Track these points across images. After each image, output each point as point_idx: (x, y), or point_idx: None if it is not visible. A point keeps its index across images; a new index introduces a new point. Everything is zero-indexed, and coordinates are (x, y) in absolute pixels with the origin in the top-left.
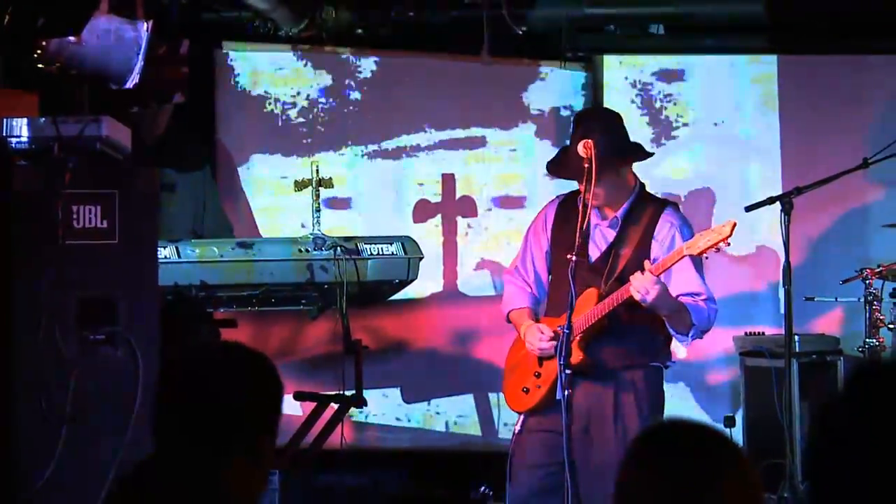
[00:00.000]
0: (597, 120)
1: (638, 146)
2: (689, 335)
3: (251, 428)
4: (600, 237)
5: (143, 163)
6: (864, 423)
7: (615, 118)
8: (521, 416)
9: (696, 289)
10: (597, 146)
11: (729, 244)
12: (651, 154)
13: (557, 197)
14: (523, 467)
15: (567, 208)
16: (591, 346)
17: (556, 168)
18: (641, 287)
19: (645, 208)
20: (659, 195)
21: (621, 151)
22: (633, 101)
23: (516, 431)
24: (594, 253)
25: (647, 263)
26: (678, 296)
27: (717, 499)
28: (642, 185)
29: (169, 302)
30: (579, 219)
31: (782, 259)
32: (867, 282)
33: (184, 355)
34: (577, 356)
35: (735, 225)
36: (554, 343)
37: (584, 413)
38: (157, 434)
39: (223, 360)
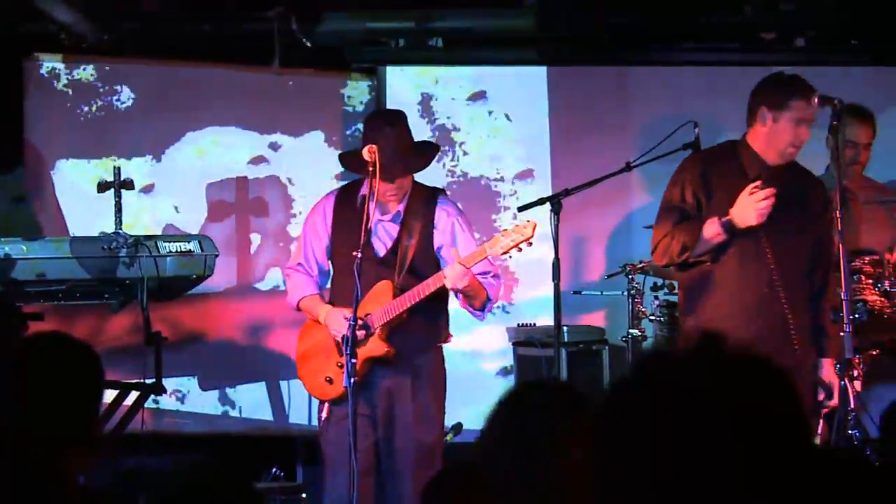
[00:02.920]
0: (385, 124)
1: (423, 148)
2: (485, 311)
3: (80, 414)
4: (384, 232)
5: None
6: (644, 408)
7: (402, 120)
8: (327, 405)
9: (488, 268)
10: (381, 151)
11: (531, 244)
12: (436, 152)
13: (333, 192)
14: (342, 454)
15: (345, 203)
16: (391, 336)
17: (350, 163)
18: (456, 278)
19: (421, 200)
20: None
21: (405, 157)
22: (415, 110)
23: (323, 419)
24: (380, 248)
25: (454, 254)
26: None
27: (567, 451)
28: (413, 178)
29: None
30: (364, 217)
31: (552, 256)
32: (630, 277)
33: (9, 347)
34: (381, 348)
35: (536, 225)
36: (362, 331)
37: (387, 396)
38: None
39: (51, 351)
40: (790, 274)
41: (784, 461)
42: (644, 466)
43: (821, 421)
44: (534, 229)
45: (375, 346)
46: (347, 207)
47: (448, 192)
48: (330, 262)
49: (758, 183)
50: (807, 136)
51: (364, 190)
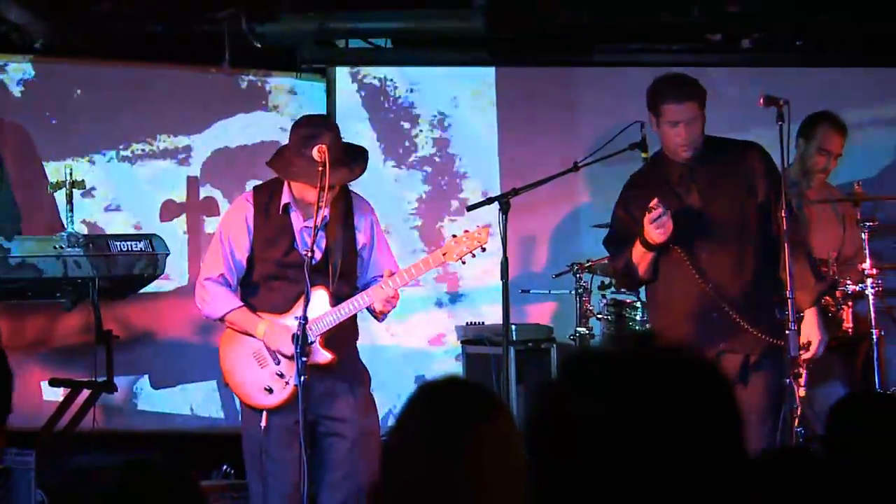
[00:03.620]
0: (325, 129)
1: (357, 153)
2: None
3: None
4: (308, 237)
5: None
6: (577, 403)
7: (336, 125)
8: (265, 414)
9: (396, 269)
10: (330, 151)
11: (485, 249)
12: (367, 156)
13: (245, 199)
14: (284, 462)
15: (263, 210)
16: (330, 344)
17: (283, 169)
18: (388, 303)
19: (341, 202)
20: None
21: (348, 161)
22: (364, 110)
23: (264, 427)
24: (316, 252)
25: (386, 276)
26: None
27: (475, 440)
28: None
29: None
30: (315, 219)
31: (500, 255)
32: (577, 276)
33: None
34: (325, 356)
35: (489, 229)
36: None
37: (326, 399)
38: None
39: None
40: (723, 269)
41: (716, 458)
42: (575, 465)
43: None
44: (487, 234)
45: (318, 355)
46: (267, 214)
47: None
48: (244, 272)
49: (654, 201)
50: (686, 134)
51: (286, 198)
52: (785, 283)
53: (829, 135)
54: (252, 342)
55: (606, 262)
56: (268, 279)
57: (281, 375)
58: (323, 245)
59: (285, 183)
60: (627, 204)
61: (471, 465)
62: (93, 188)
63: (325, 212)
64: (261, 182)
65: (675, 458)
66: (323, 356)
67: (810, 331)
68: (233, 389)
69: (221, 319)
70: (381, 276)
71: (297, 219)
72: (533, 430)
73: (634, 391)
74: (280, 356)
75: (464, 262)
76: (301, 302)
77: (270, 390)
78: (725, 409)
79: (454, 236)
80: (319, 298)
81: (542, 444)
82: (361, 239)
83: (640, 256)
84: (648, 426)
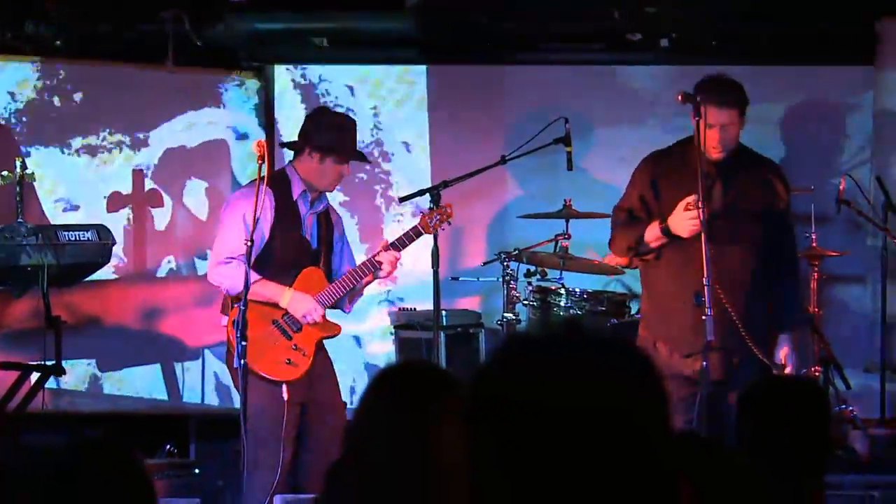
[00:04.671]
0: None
1: (296, 143)
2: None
3: None
4: (310, 224)
5: None
6: (510, 387)
7: (307, 116)
8: (285, 387)
9: (354, 262)
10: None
11: (450, 223)
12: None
13: (264, 187)
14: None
15: (280, 197)
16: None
17: (345, 150)
18: (394, 263)
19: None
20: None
21: (296, 148)
22: (301, 107)
23: (287, 399)
24: (313, 239)
25: (383, 246)
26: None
27: (436, 417)
28: None
29: None
30: (301, 210)
31: (431, 244)
32: (504, 264)
33: None
34: (333, 327)
35: (452, 205)
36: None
37: (322, 376)
38: None
39: None
40: (728, 272)
41: (646, 437)
42: (508, 450)
43: None
44: (452, 209)
45: (327, 326)
46: (283, 202)
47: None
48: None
49: (692, 198)
50: (721, 137)
51: (300, 186)
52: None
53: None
54: (264, 321)
55: (551, 244)
56: (274, 261)
57: (296, 348)
58: (320, 232)
59: (293, 173)
60: (656, 181)
61: (433, 440)
62: (41, 179)
63: (326, 202)
64: (253, 175)
65: (606, 437)
66: (331, 328)
67: (783, 355)
68: (251, 365)
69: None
70: (349, 268)
71: (303, 206)
72: (469, 414)
73: (566, 374)
74: (295, 329)
75: (436, 235)
76: (302, 279)
77: (290, 362)
78: (653, 390)
79: (423, 213)
80: (316, 277)
81: (478, 427)
82: (338, 231)
83: (655, 238)
84: (579, 408)
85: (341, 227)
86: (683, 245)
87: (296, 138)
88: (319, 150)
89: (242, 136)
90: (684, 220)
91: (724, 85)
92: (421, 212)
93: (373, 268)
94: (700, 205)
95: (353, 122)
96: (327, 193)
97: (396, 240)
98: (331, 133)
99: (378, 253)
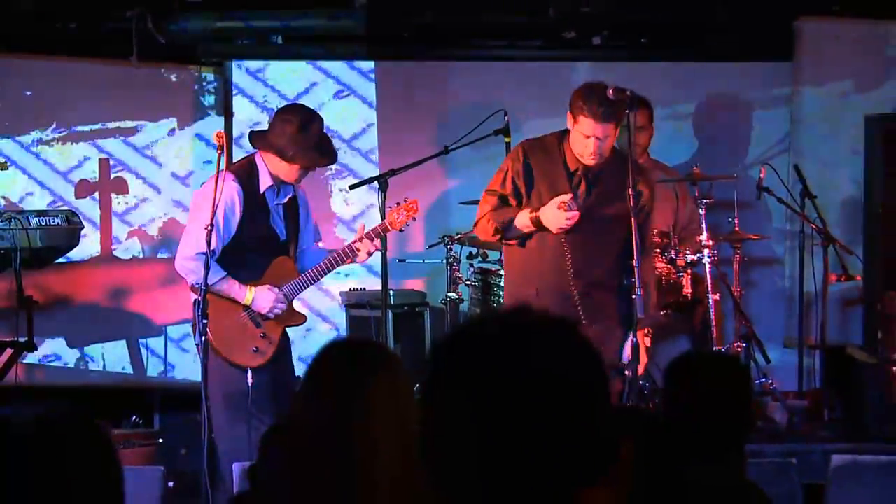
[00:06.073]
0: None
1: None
2: None
3: None
4: (277, 215)
5: None
6: (466, 360)
7: (275, 114)
8: (250, 372)
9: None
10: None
11: (415, 219)
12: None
13: (231, 179)
14: (269, 412)
15: (247, 189)
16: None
17: (307, 156)
18: (370, 251)
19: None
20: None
21: (264, 143)
22: (257, 100)
23: (252, 383)
24: (281, 230)
25: (361, 232)
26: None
27: (375, 387)
28: None
29: None
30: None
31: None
32: (448, 247)
33: None
34: (299, 317)
35: (417, 202)
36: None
37: (284, 359)
38: None
39: None
40: (587, 267)
41: (590, 412)
42: (461, 430)
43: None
44: (417, 205)
45: (293, 316)
46: (251, 194)
47: None
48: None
49: (568, 197)
50: (596, 149)
51: (268, 179)
52: (631, 255)
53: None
54: (234, 311)
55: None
56: (244, 252)
57: (264, 336)
58: (287, 221)
59: (262, 165)
60: (530, 170)
61: (372, 408)
62: (14, 168)
63: (292, 190)
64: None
65: (554, 413)
66: (297, 317)
67: (629, 350)
68: (220, 351)
69: (207, 289)
70: (315, 244)
71: (271, 198)
72: (425, 394)
73: (514, 350)
74: (264, 318)
75: (402, 231)
76: (272, 270)
77: (257, 350)
78: (596, 367)
79: (390, 208)
80: (286, 267)
81: (433, 406)
82: (304, 211)
83: (525, 226)
84: (529, 386)
85: (307, 205)
86: (544, 234)
87: (252, 128)
88: (280, 154)
89: (202, 127)
90: (559, 217)
91: (604, 98)
92: (389, 207)
93: (351, 254)
94: (629, 192)
95: (318, 121)
96: None
97: (372, 230)
98: (291, 137)
99: (356, 241)
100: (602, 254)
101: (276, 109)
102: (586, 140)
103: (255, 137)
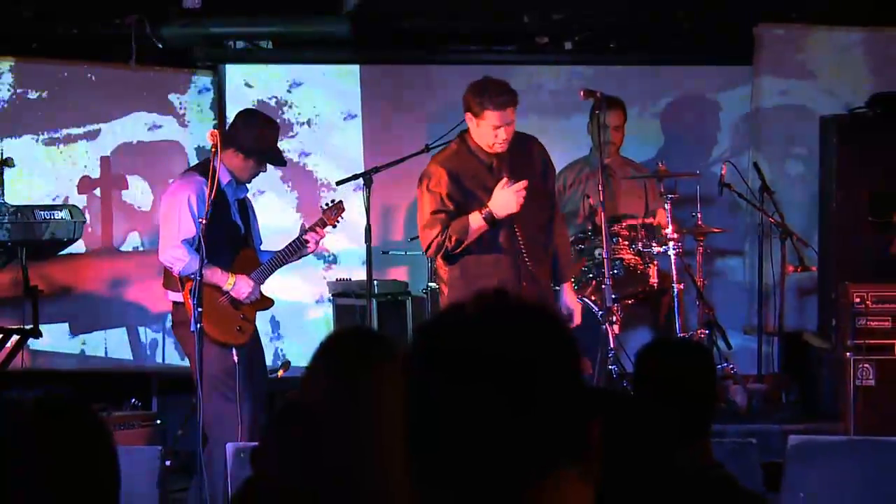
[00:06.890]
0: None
1: (233, 137)
2: None
3: None
4: (235, 210)
5: None
6: (447, 340)
7: (239, 116)
8: (233, 350)
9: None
10: (220, 135)
11: (343, 219)
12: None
13: (196, 177)
14: (251, 384)
15: (210, 185)
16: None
17: (271, 155)
18: (318, 242)
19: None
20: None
21: (225, 141)
22: (249, 102)
23: (236, 362)
24: (241, 224)
25: (307, 228)
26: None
27: (377, 377)
28: None
29: None
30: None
31: (364, 221)
32: None
33: None
34: (268, 301)
35: (343, 202)
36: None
37: (257, 340)
38: None
39: None
40: (531, 236)
41: (569, 388)
42: (440, 411)
43: None
44: (343, 205)
45: (264, 301)
46: (214, 190)
47: (280, 173)
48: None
49: (504, 180)
50: (507, 135)
51: (227, 176)
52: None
53: (605, 112)
54: (218, 294)
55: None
56: (215, 245)
57: (244, 318)
58: (243, 216)
59: (219, 163)
60: (456, 178)
61: (373, 397)
62: (20, 165)
63: (246, 190)
64: (194, 164)
65: (532, 394)
66: (268, 302)
67: (571, 301)
68: (208, 333)
69: (191, 276)
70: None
71: (230, 192)
72: (407, 378)
73: (493, 331)
74: (243, 302)
75: (335, 226)
76: (240, 260)
77: (241, 329)
78: (572, 350)
79: (323, 209)
80: (251, 258)
81: (414, 390)
82: (252, 212)
83: (479, 226)
84: (507, 367)
85: (254, 209)
86: (493, 230)
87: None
88: (242, 151)
89: (196, 128)
90: (508, 196)
91: (500, 88)
92: (321, 208)
93: (301, 246)
94: (600, 187)
95: (277, 127)
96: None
97: (314, 223)
98: (255, 136)
99: (303, 234)
100: (538, 228)
101: (267, 110)
102: (496, 130)
103: (223, 138)
